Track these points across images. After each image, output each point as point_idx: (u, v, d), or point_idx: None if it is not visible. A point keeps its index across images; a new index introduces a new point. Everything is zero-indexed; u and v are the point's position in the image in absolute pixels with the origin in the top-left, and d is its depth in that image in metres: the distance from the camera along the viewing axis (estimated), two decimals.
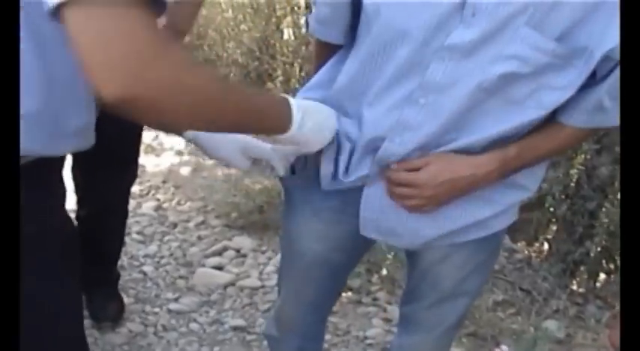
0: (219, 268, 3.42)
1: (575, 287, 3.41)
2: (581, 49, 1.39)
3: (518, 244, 3.68)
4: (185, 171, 4.32)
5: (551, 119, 1.55)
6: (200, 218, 3.83)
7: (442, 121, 1.48)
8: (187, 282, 3.32)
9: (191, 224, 3.79)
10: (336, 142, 1.58)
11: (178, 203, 4.00)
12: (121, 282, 3.11)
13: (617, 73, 1.42)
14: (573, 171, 3.26)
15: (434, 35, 1.41)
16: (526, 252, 3.62)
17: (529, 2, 1.35)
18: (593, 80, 1.47)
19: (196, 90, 1.05)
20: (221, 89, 1.15)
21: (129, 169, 2.79)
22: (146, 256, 3.50)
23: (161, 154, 4.54)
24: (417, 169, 1.54)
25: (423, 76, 1.45)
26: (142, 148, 4.54)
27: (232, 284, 3.30)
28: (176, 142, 4.59)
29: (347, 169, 1.61)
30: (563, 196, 3.30)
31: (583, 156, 3.20)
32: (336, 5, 1.62)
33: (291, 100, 1.40)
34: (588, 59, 1.40)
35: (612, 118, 1.50)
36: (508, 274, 3.46)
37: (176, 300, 3.20)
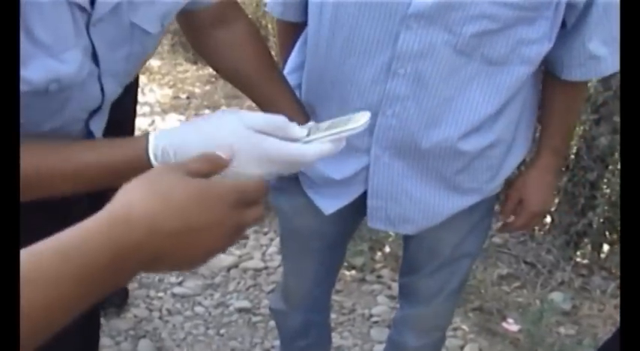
0: None
1: (579, 259, 3.40)
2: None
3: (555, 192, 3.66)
4: None
5: (553, 93, 1.65)
6: None
7: (428, 88, 1.49)
8: None
9: None
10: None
11: None
12: None
13: (594, 18, 1.48)
14: (572, 142, 3.24)
15: (395, 6, 1.42)
16: None
17: None
18: (572, 31, 1.52)
19: None
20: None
21: None
22: None
23: None
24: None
25: (394, 47, 1.45)
26: (139, 134, 4.57)
27: (235, 266, 3.30)
28: (170, 124, 4.56)
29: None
30: (563, 168, 3.28)
31: (582, 127, 3.19)
32: None
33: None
34: (556, 8, 1.44)
35: (610, 64, 1.56)
36: (512, 248, 3.45)
37: (180, 284, 3.19)
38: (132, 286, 3.09)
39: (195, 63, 5.66)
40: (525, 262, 3.37)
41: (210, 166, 0.94)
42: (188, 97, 5.13)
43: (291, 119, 1.45)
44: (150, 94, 5.18)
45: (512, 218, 1.84)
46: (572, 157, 3.27)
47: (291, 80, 1.67)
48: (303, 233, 1.87)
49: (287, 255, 2.02)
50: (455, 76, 1.48)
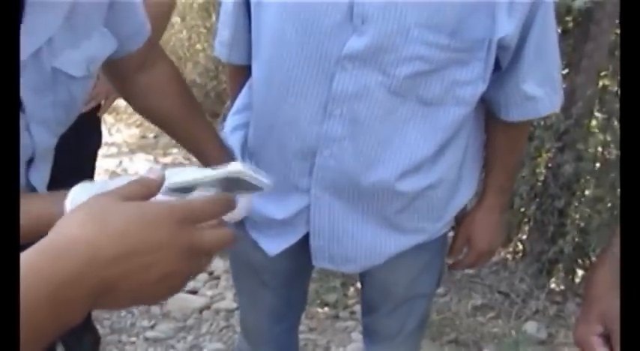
0: (194, 292, 3.37)
1: (553, 286, 3.40)
2: (480, 41, 1.44)
3: (504, 231, 3.66)
4: None
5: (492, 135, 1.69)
6: None
7: (364, 128, 1.49)
8: (162, 308, 3.26)
9: None
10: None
11: None
12: (94, 313, 3.04)
13: (526, 60, 1.51)
14: (539, 170, 3.25)
15: (329, 47, 1.43)
16: (501, 254, 3.60)
17: (415, 3, 1.38)
18: (506, 73, 1.54)
19: None
20: None
21: None
22: None
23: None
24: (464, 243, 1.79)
25: (330, 88, 1.46)
26: (107, 175, 4.53)
27: (207, 307, 3.26)
28: (140, 167, 4.54)
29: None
30: (531, 196, 3.29)
31: (547, 155, 3.20)
32: (235, 28, 1.65)
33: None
34: (488, 49, 1.45)
35: (547, 104, 1.60)
36: (485, 278, 3.45)
37: (152, 327, 3.14)
38: (104, 331, 3.04)
39: None
40: (499, 292, 3.36)
41: (144, 189, 0.85)
42: (156, 136, 5.10)
43: (212, 156, 1.51)
44: (117, 134, 5.15)
45: (460, 256, 1.85)
46: (539, 184, 3.28)
47: (235, 121, 1.69)
48: (254, 267, 1.83)
49: (240, 289, 1.97)
50: (391, 117, 1.49)
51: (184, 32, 5.32)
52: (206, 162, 1.55)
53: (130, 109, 5.46)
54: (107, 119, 5.37)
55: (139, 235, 0.75)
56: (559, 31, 2.91)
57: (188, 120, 1.54)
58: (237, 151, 1.66)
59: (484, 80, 1.50)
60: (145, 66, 1.47)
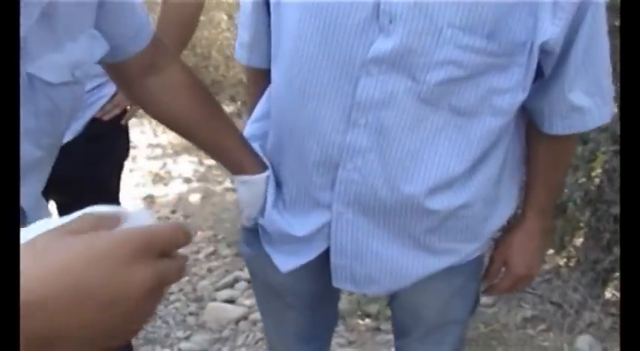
0: (231, 301, 3.28)
1: (608, 296, 3.21)
2: (521, 44, 1.30)
3: (545, 254, 3.49)
4: (194, 199, 4.20)
5: (536, 147, 1.54)
6: (211, 248, 3.70)
7: (391, 140, 1.37)
8: (198, 318, 3.18)
9: (201, 255, 3.65)
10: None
11: None
12: None
13: (573, 66, 1.36)
14: (594, 174, 3.07)
15: (353, 50, 1.32)
16: (554, 262, 3.42)
17: (447, 1, 1.25)
18: (550, 80, 1.40)
19: None
20: None
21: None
22: None
23: (169, 182, 4.42)
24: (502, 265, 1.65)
25: (354, 95, 1.34)
26: (150, 177, 4.48)
27: (245, 318, 3.15)
28: (184, 169, 4.47)
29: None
30: (586, 202, 3.11)
31: (602, 158, 3.01)
32: (254, 29, 1.56)
33: None
34: (529, 54, 1.31)
35: (596, 116, 1.43)
36: (536, 287, 3.28)
37: (187, 338, 3.06)
38: (137, 342, 2.96)
39: None
40: (551, 303, 3.19)
41: (99, 221, 0.69)
42: None
43: (240, 162, 1.48)
44: (162, 135, 5.09)
45: (497, 280, 1.70)
46: (595, 189, 3.10)
47: (254, 129, 1.59)
48: (276, 289, 1.71)
49: (264, 311, 1.86)
50: (420, 128, 1.36)
51: (232, 30, 5.23)
52: (230, 166, 1.51)
53: None
54: (153, 119, 5.31)
55: (88, 270, 0.61)
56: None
57: (203, 124, 1.46)
58: (266, 178, 1.55)
59: (524, 88, 1.36)
60: (154, 69, 1.39)
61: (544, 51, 1.32)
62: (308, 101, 1.40)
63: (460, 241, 1.52)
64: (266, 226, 1.56)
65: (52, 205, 2.33)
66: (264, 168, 1.50)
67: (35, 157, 1.19)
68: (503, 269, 1.67)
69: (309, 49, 1.36)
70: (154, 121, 5.19)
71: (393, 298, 1.72)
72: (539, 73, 1.37)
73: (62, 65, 1.15)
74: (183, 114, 1.44)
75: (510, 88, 1.34)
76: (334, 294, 1.81)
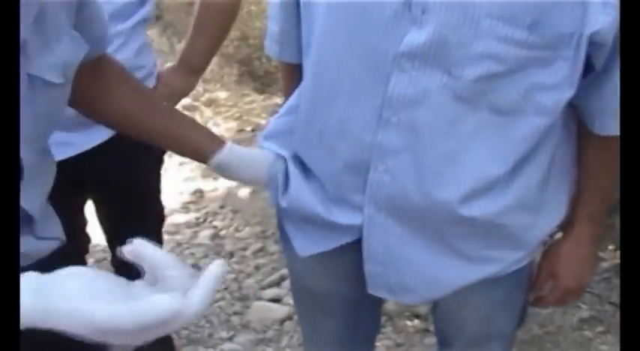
0: (277, 300, 3.21)
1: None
2: (567, 35, 1.19)
3: (607, 250, 3.35)
4: (244, 193, 4.15)
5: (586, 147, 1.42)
6: (259, 245, 3.64)
7: (425, 140, 1.28)
8: (242, 318, 3.12)
9: (248, 252, 3.60)
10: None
11: (236, 229, 3.82)
12: None
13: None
14: None
15: (385, 43, 1.23)
16: (613, 260, 3.28)
17: None
18: (601, 75, 1.28)
19: None
20: None
21: (151, 210, 2.57)
22: None
23: (219, 177, 4.36)
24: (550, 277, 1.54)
25: (386, 91, 1.26)
26: (200, 172, 4.44)
27: (290, 318, 3.08)
28: None
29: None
30: None
31: None
32: (284, 22, 1.48)
33: None
34: (577, 46, 1.20)
35: None
36: (594, 286, 3.14)
37: (230, 339, 3.00)
38: (179, 342, 2.92)
39: (262, 93, 5.52)
40: (610, 303, 3.06)
41: None
42: (253, 130, 4.99)
43: (205, 144, 1.41)
44: (214, 128, 5.06)
45: (545, 292, 1.59)
46: None
47: (278, 124, 1.52)
48: (313, 292, 1.64)
49: (301, 314, 1.79)
50: (457, 128, 1.27)
51: None
52: (199, 153, 1.43)
53: (230, 102, 5.45)
54: (205, 112, 5.30)
55: None
56: None
57: (153, 115, 1.44)
58: (270, 159, 1.47)
59: (571, 84, 1.25)
60: (96, 70, 1.36)
61: (594, 43, 1.21)
62: (337, 99, 1.33)
63: (501, 249, 1.42)
64: (290, 203, 1.46)
65: (89, 205, 2.30)
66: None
67: (34, 162, 1.16)
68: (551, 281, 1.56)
69: (337, 43, 1.29)
70: (205, 115, 5.17)
71: (435, 306, 1.64)
72: (588, 67, 1.26)
73: (57, 65, 1.14)
74: (131, 106, 1.41)
75: (556, 85, 1.24)
76: (375, 299, 1.71)
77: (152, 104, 1.47)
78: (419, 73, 1.23)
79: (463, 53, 1.19)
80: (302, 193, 1.43)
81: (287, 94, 1.60)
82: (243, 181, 1.53)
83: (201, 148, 1.41)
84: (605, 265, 3.25)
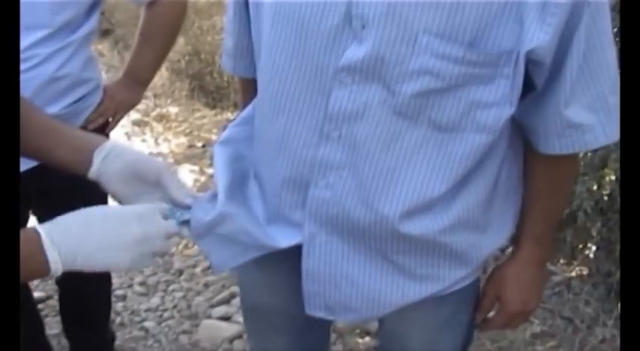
0: (227, 318, 3.15)
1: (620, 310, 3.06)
2: (506, 53, 1.17)
3: (558, 264, 3.35)
4: None
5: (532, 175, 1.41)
6: (207, 262, 3.56)
7: (365, 155, 1.26)
8: (191, 337, 3.06)
9: (198, 270, 3.54)
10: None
11: (186, 246, 3.75)
12: (120, 341, 2.88)
13: (569, 78, 1.21)
14: (605, 182, 2.93)
15: (326, 57, 1.21)
16: (565, 274, 3.27)
17: (424, 5, 1.13)
18: (543, 94, 1.26)
19: None
20: None
21: None
22: (148, 310, 3.25)
23: None
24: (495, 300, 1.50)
25: (327, 105, 1.24)
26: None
27: (239, 336, 3.01)
28: (185, 178, 4.36)
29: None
30: (597, 212, 2.96)
31: (614, 166, 2.86)
32: (238, 37, 1.45)
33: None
34: (516, 64, 1.18)
35: (599, 134, 1.27)
36: (546, 301, 3.13)
37: None
38: None
39: (213, 108, 5.47)
40: (562, 317, 3.04)
41: None
42: (204, 146, 4.93)
43: (73, 164, 1.29)
44: (164, 143, 4.99)
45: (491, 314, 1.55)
46: (606, 198, 2.95)
47: (232, 133, 1.47)
48: (261, 309, 1.60)
49: (249, 331, 1.73)
50: (397, 143, 1.24)
51: None
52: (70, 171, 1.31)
53: (180, 117, 5.39)
54: (155, 127, 5.23)
55: None
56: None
57: (26, 131, 1.29)
58: (219, 167, 1.40)
59: (511, 103, 1.23)
60: None
61: (533, 61, 1.18)
62: (279, 113, 1.30)
63: (445, 267, 1.38)
64: (216, 217, 1.35)
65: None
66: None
67: None
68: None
69: (280, 57, 1.27)
70: (155, 130, 5.10)
71: (380, 324, 1.59)
72: (530, 85, 1.24)
73: None
74: None
75: (496, 102, 1.21)
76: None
77: (26, 121, 1.30)
78: (359, 88, 1.21)
79: (401, 69, 1.17)
80: (234, 209, 1.36)
81: (244, 106, 1.57)
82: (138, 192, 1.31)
83: (70, 167, 1.30)
84: (556, 279, 3.24)
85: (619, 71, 1.19)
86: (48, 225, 1.05)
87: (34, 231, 1.04)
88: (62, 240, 1.04)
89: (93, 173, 1.27)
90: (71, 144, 1.30)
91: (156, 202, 1.22)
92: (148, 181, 1.23)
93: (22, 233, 1.03)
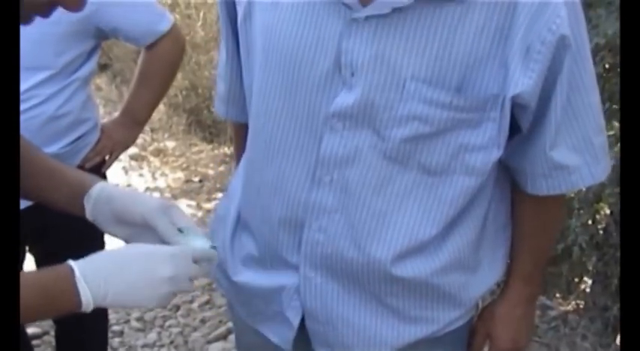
0: None
1: (619, 344, 3.06)
2: (492, 97, 1.19)
3: (554, 298, 3.35)
4: None
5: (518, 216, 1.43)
6: (205, 297, 3.57)
7: (357, 199, 1.28)
8: None
9: (195, 305, 3.53)
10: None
11: None
12: None
13: (554, 121, 1.23)
14: (599, 217, 2.93)
15: (317, 103, 1.24)
16: (561, 308, 3.27)
17: (411, 52, 1.16)
18: (528, 137, 1.28)
19: None
20: None
21: None
22: (145, 345, 3.25)
23: None
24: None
25: (318, 150, 1.26)
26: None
27: None
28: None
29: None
30: (592, 246, 2.97)
31: (608, 200, 2.87)
32: (230, 82, 1.48)
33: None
34: (502, 108, 1.20)
35: (586, 175, 1.30)
36: (542, 336, 3.13)
37: None
38: None
39: (210, 142, 5.48)
40: None
41: None
42: (201, 180, 4.93)
43: (68, 206, 1.30)
44: (161, 178, 5.00)
45: None
46: (601, 233, 2.96)
47: (233, 187, 1.52)
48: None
49: None
50: (388, 187, 1.26)
51: None
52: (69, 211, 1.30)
53: (178, 152, 5.40)
54: (153, 162, 5.24)
55: None
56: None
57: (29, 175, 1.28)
58: (231, 221, 1.47)
59: (499, 145, 1.25)
60: None
61: (518, 105, 1.20)
62: (273, 157, 1.32)
63: (438, 310, 1.39)
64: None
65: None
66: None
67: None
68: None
69: (272, 103, 1.29)
70: (152, 165, 5.11)
71: None
72: (516, 128, 1.26)
73: None
74: None
75: (483, 146, 1.24)
76: None
77: (25, 162, 1.28)
78: (349, 134, 1.23)
79: (390, 114, 1.19)
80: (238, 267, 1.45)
81: (238, 153, 1.60)
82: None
83: (67, 210, 1.30)
84: (552, 313, 3.24)
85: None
86: (82, 262, 1.07)
87: (68, 267, 1.06)
88: (95, 277, 1.06)
89: (88, 217, 1.28)
90: (66, 188, 1.31)
91: (154, 241, 1.22)
92: (139, 224, 1.24)
93: (55, 269, 1.06)
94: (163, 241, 1.20)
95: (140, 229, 1.23)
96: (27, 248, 2.27)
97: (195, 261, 1.12)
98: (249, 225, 1.44)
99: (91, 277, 1.06)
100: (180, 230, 1.20)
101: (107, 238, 2.29)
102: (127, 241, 1.27)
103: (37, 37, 1.73)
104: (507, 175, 1.37)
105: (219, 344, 3.19)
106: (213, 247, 1.19)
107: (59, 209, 1.31)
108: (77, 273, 1.05)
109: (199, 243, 1.18)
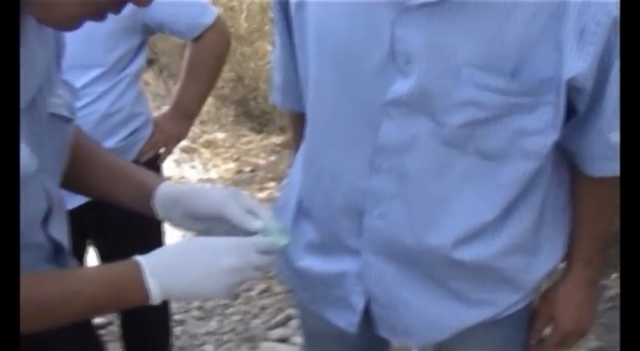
0: (284, 340, 3.19)
1: None
2: (547, 81, 1.20)
3: (610, 278, 3.33)
4: None
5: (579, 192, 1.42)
6: (263, 285, 3.62)
7: (415, 186, 1.30)
8: None
9: (254, 293, 3.58)
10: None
11: None
12: None
13: (610, 103, 1.23)
14: None
15: (373, 92, 1.26)
16: (617, 288, 3.26)
17: (465, 38, 1.17)
18: (585, 119, 1.28)
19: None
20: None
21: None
22: (207, 333, 3.31)
23: None
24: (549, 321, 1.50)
25: (376, 138, 1.28)
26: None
27: None
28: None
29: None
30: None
31: None
32: (285, 72, 1.51)
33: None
34: (557, 92, 1.21)
35: None
36: (601, 315, 3.11)
37: None
38: None
39: (260, 132, 5.53)
40: (617, 331, 3.02)
41: None
42: (252, 170, 4.98)
43: (137, 204, 1.30)
44: (213, 169, 5.06)
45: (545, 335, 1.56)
46: None
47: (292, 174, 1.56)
48: (320, 335, 1.64)
49: None
50: (446, 173, 1.29)
51: None
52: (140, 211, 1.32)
53: (227, 143, 5.46)
54: (204, 154, 5.30)
55: None
56: None
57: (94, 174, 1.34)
58: (291, 209, 1.50)
59: (555, 129, 1.26)
60: None
61: (574, 88, 1.21)
62: (331, 146, 1.36)
63: (498, 292, 1.41)
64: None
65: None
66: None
67: (60, 197, 1.22)
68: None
69: (328, 93, 1.32)
70: (203, 157, 5.18)
71: (434, 347, 1.61)
72: (572, 111, 1.27)
73: (65, 104, 1.18)
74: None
75: (540, 130, 1.25)
76: (383, 343, 1.71)
77: (90, 162, 1.35)
78: (406, 121, 1.25)
79: (446, 101, 1.21)
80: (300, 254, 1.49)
81: (296, 141, 1.62)
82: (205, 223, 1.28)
83: (136, 210, 1.32)
84: (609, 293, 3.23)
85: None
86: (148, 256, 1.10)
87: (136, 261, 1.08)
88: (162, 271, 1.08)
89: (160, 218, 1.30)
90: (131, 188, 1.32)
91: (229, 231, 1.24)
92: (212, 218, 1.24)
93: (122, 264, 1.09)
94: (239, 227, 1.23)
95: (213, 222, 1.26)
96: (87, 242, 2.32)
97: (259, 250, 1.13)
98: (310, 212, 1.47)
99: (159, 271, 1.08)
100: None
101: (167, 227, 2.35)
102: (204, 236, 1.30)
103: (86, 36, 1.78)
104: (565, 158, 1.38)
105: (279, 331, 3.24)
106: (283, 231, 1.19)
107: (123, 206, 1.33)
108: (144, 268, 1.07)
109: (272, 226, 1.18)
